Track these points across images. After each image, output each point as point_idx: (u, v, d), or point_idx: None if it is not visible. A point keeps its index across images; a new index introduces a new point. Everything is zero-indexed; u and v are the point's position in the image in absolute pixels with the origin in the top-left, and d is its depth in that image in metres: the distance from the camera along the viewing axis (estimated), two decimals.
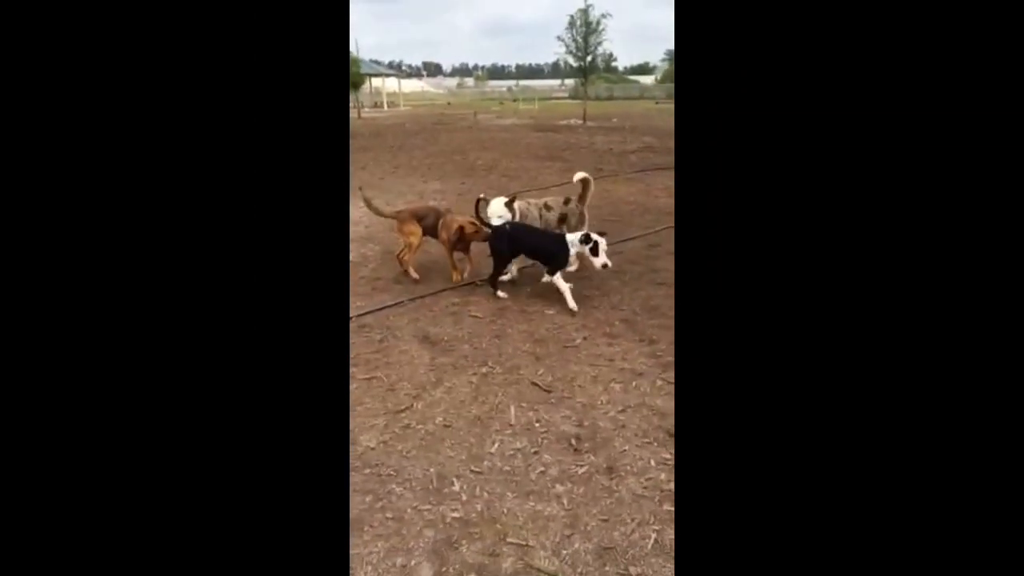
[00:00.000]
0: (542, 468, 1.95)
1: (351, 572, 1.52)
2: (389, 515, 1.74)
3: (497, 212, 3.59)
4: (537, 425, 2.20)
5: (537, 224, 3.72)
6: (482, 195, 3.76)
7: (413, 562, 1.56)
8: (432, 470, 1.95)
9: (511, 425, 2.21)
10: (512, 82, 79.82)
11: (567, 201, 3.93)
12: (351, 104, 26.66)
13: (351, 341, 2.94)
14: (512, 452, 2.04)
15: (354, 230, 5.23)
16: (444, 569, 1.53)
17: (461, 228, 3.59)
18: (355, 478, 1.91)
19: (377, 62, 33.99)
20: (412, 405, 2.37)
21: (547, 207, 3.86)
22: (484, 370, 2.66)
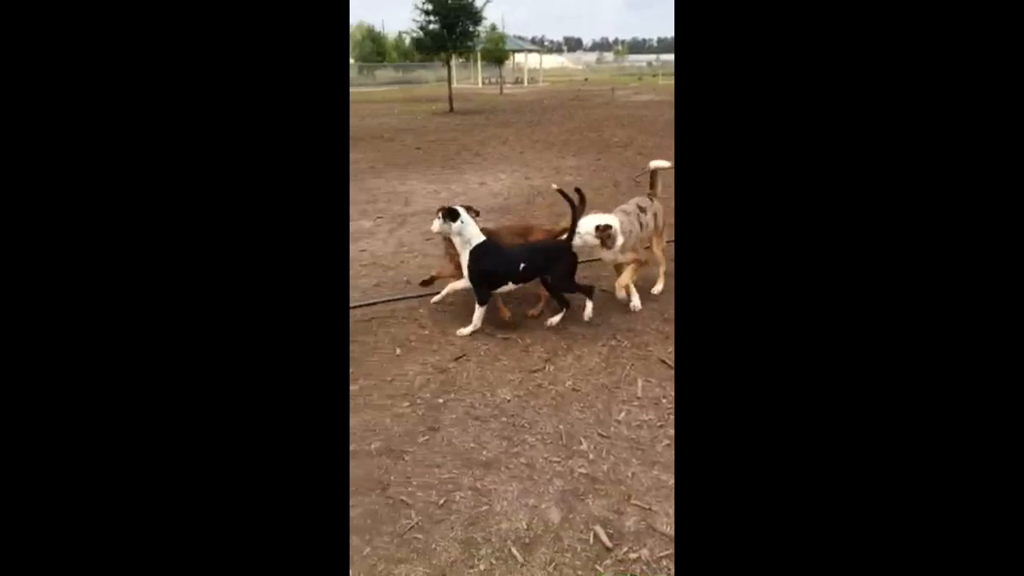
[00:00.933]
0: (667, 442, 2.00)
1: (489, 505, 1.71)
2: (523, 460, 1.91)
3: (585, 228, 2.85)
4: (664, 401, 2.24)
5: (637, 232, 3.02)
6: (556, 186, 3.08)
7: (543, 505, 1.71)
8: (562, 427, 2.08)
9: (638, 397, 2.27)
10: (653, 56, 76.35)
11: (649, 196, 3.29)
12: (494, 79, 27.32)
13: (494, 306, 3.16)
14: (639, 423, 2.11)
15: (493, 201, 5.50)
16: (571, 516, 1.67)
17: None
18: (493, 424, 2.11)
19: (521, 38, 34.41)
20: (544, 367, 2.52)
21: (641, 209, 3.13)
22: (613, 343, 2.73)
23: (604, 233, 2.82)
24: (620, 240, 2.87)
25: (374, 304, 3.21)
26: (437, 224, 2.77)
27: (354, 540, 1.59)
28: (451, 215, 2.72)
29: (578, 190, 2.92)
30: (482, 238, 2.78)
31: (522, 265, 2.75)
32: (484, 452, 1.96)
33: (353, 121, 13.37)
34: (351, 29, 42.59)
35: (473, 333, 2.84)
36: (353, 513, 1.68)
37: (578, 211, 2.82)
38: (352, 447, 1.99)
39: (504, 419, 2.14)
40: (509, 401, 2.26)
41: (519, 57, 32.19)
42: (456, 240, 2.78)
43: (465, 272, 2.79)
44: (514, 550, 1.55)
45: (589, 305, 2.88)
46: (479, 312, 2.84)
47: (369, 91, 26.16)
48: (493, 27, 23.19)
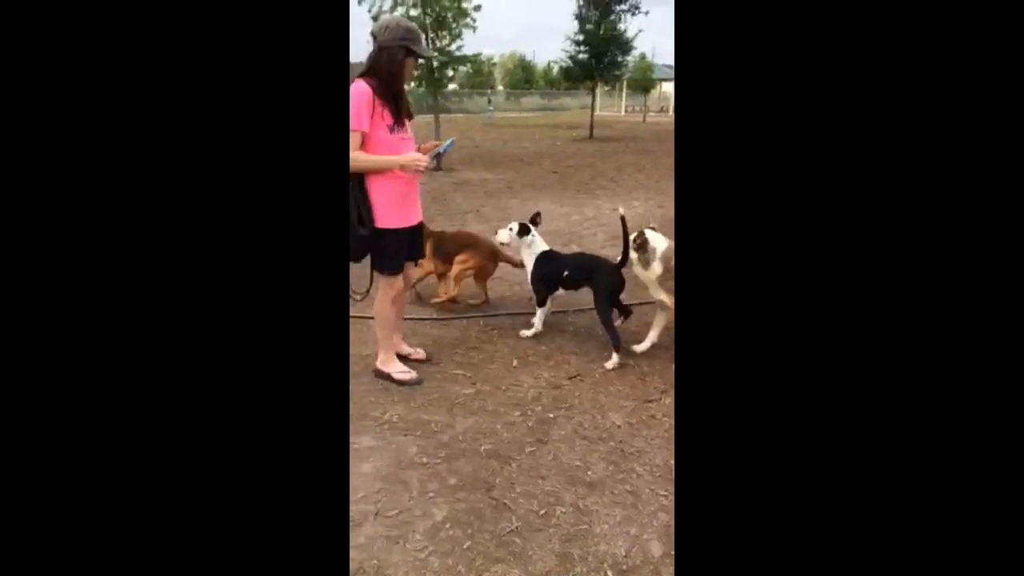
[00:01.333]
0: None
1: (589, 525, 1.70)
2: (628, 488, 1.87)
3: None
4: None
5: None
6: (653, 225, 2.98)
7: (645, 536, 1.66)
8: (672, 462, 2.00)
9: None
10: None
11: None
12: (638, 108, 27.18)
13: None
14: None
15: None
16: (673, 553, 1.60)
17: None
18: (600, 448, 2.09)
19: (671, 67, 33.89)
20: (660, 398, 2.44)
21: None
22: None
23: (637, 242, 2.77)
24: (659, 265, 2.73)
25: (496, 316, 3.35)
26: (507, 235, 3.06)
27: (456, 532, 1.66)
28: (523, 231, 3.05)
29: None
30: (546, 247, 3.07)
31: (565, 272, 2.93)
32: (589, 472, 1.95)
33: (495, 145, 14.07)
34: (503, 59, 44.99)
35: (587, 353, 2.85)
36: (458, 507, 1.77)
37: (628, 233, 2.82)
38: (463, 446, 2.09)
39: (612, 443, 2.11)
40: (619, 427, 2.23)
41: (666, 86, 31.72)
42: (524, 251, 3.09)
43: (529, 275, 3.09)
44: (610, 574, 1.52)
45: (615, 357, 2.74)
46: (539, 313, 3.08)
47: (513, 116, 27.35)
48: (643, 56, 23.18)
